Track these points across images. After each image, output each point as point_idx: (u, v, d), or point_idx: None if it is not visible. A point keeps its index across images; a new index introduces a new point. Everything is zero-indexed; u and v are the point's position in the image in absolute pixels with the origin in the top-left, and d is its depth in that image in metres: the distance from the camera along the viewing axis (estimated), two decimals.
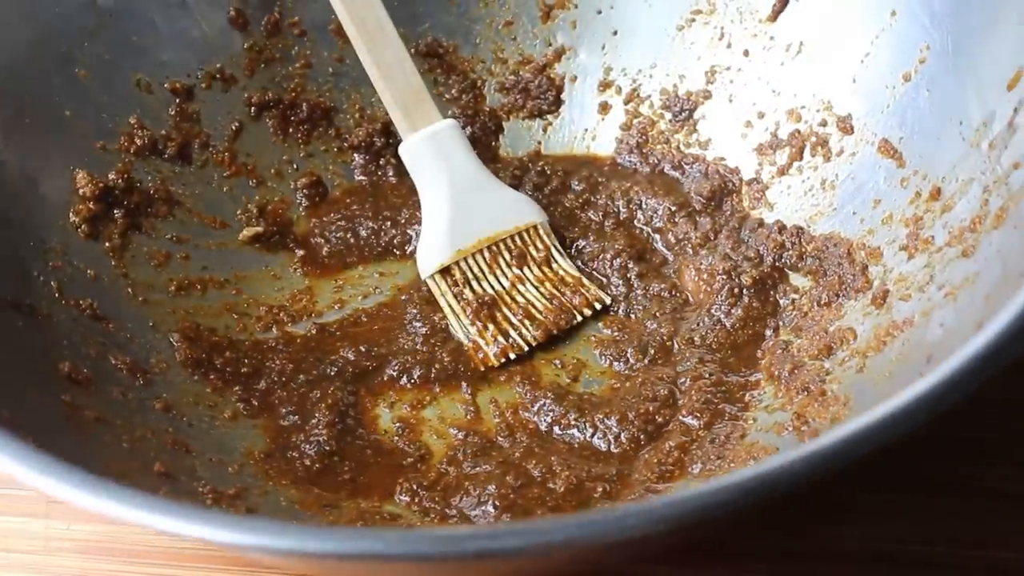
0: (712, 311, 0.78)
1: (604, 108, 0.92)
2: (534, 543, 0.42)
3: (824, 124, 0.81)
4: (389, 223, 0.88)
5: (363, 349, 0.79)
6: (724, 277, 0.79)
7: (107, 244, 0.78)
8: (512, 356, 0.79)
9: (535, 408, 0.75)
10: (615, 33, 0.91)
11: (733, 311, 0.78)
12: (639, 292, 0.82)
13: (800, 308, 0.77)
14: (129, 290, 0.78)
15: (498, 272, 0.83)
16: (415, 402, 0.77)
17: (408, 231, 0.87)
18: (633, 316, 0.81)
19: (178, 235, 0.83)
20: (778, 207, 0.82)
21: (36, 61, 0.77)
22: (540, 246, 0.84)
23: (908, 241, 0.71)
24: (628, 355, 0.78)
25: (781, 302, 0.78)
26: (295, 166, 0.90)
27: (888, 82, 0.76)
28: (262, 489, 0.69)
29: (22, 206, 0.74)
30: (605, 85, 0.92)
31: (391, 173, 0.91)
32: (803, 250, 0.79)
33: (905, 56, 0.75)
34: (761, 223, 0.82)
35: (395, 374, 0.78)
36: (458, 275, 0.82)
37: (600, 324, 0.81)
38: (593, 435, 0.73)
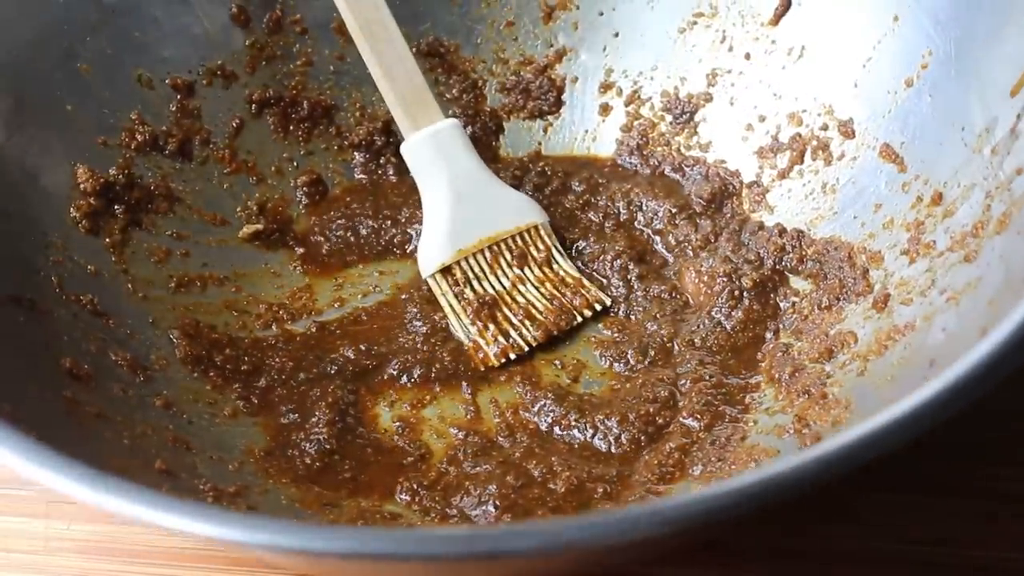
0: (712, 313, 0.79)
1: (605, 109, 0.92)
2: (545, 544, 0.42)
3: (825, 128, 0.81)
4: (389, 222, 0.88)
5: (363, 348, 0.79)
6: (724, 279, 0.79)
7: (107, 240, 0.78)
8: (512, 356, 0.79)
9: (535, 408, 0.76)
10: (616, 35, 0.91)
11: (733, 313, 0.78)
12: (639, 294, 0.82)
13: (801, 311, 0.77)
14: (129, 286, 0.77)
15: (499, 272, 0.83)
16: (415, 401, 0.77)
17: (408, 230, 0.87)
18: (633, 317, 0.81)
19: (178, 232, 0.82)
20: (779, 210, 0.83)
21: (38, 56, 0.77)
22: (541, 246, 0.84)
23: (909, 245, 0.71)
24: (628, 356, 0.78)
25: (781, 305, 0.79)
26: (295, 164, 0.90)
27: (890, 87, 0.77)
28: (262, 487, 0.69)
29: (23, 201, 0.74)
30: (606, 86, 0.92)
31: (391, 172, 0.91)
32: (804, 253, 0.79)
33: (908, 61, 0.75)
34: (761, 226, 0.82)
35: (395, 373, 0.78)
36: (459, 274, 0.82)
37: (600, 325, 0.81)
38: (593, 436, 0.73)
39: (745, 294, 0.79)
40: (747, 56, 0.86)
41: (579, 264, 0.85)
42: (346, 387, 0.77)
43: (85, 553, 0.70)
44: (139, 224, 0.81)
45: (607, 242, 0.85)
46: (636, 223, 0.87)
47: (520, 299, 0.82)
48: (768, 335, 0.77)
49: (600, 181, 0.89)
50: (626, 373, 0.78)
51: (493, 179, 0.85)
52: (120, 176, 0.80)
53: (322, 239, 0.87)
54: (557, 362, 0.79)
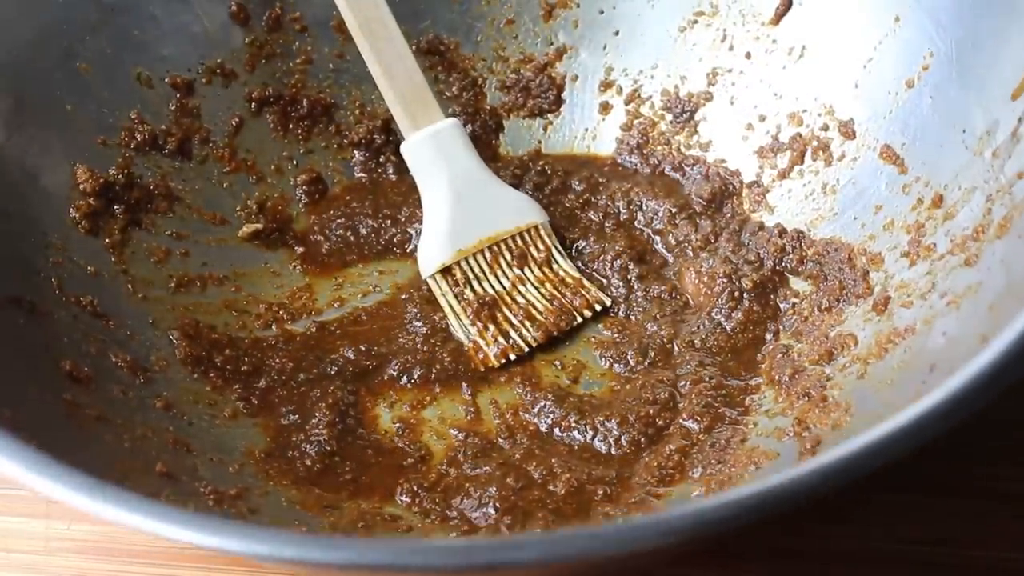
0: (712, 314, 0.79)
1: (605, 108, 0.92)
2: (544, 555, 0.42)
3: (826, 128, 0.81)
4: (389, 221, 0.88)
5: (363, 348, 0.79)
6: (724, 280, 0.79)
7: (107, 240, 0.78)
8: (512, 357, 0.79)
9: (535, 409, 0.76)
10: (617, 33, 0.91)
11: (733, 314, 0.78)
12: (639, 294, 0.82)
13: (801, 313, 0.77)
14: (129, 286, 0.77)
15: (499, 272, 0.83)
16: (415, 402, 0.77)
17: (408, 229, 0.87)
18: (633, 318, 0.81)
19: (178, 231, 0.82)
20: (779, 211, 0.83)
21: (38, 55, 0.77)
22: (541, 246, 0.84)
23: (910, 248, 0.71)
24: (628, 357, 0.78)
25: (781, 306, 0.78)
26: (295, 162, 0.90)
27: (891, 88, 0.77)
28: (263, 489, 0.69)
29: (23, 201, 0.74)
30: (606, 85, 0.92)
31: (391, 171, 0.91)
32: (804, 254, 0.79)
33: (909, 62, 0.75)
34: (762, 226, 0.82)
35: (395, 374, 0.78)
36: (459, 275, 0.82)
37: (600, 326, 0.81)
38: (593, 437, 0.73)
39: (745, 295, 0.79)
40: (748, 55, 0.86)
41: (579, 264, 0.85)
42: (346, 388, 0.77)
43: (85, 553, 0.70)
44: (139, 224, 0.81)
45: (607, 242, 0.85)
46: (636, 223, 0.87)
47: (520, 299, 0.82)
48: (768, 336, 0.77)
49: (600, 180, 0.89)
50: (626, 374, 0.78)
51: (493, 179, 0.85)
52: (120, 176, 0.80)
53: (322, 238, 0.87)
54: (557, 363, 0.79)
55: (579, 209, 0.88)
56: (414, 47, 0.89)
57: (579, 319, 0.81)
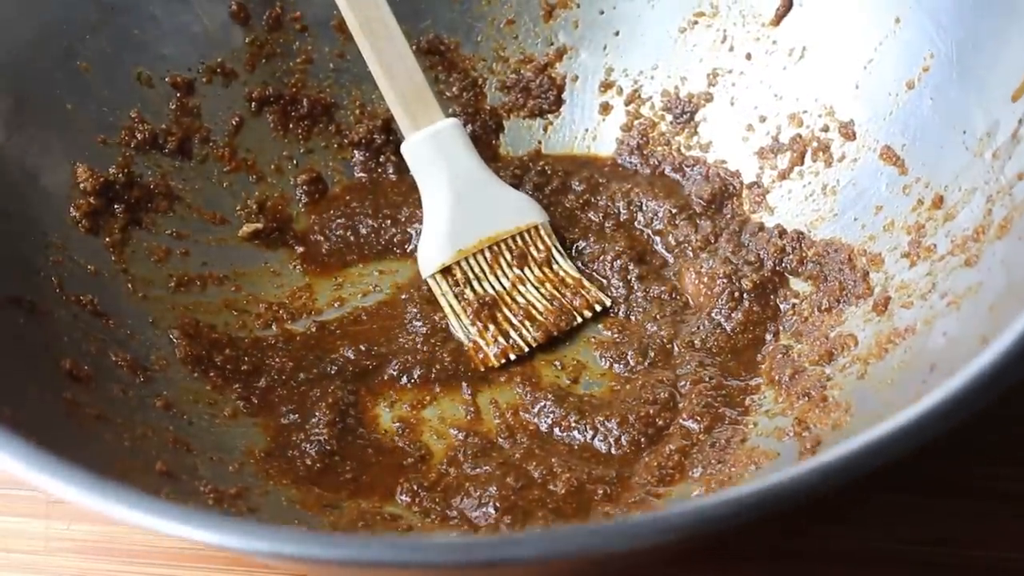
0: (712, 315, 0.79)
1: (605, 109, 0.92)
2: (544, 552, 0.42)
3: (826, 129, 0.81)
4: (389, 221, 0.88)
5: (363, 348, 0.79)
6: (724, 281, 0.79)
7: (107, 239, 0.78)
8: (512, 357, 0.79)
9: (535, 409, 0.76)
10: (617, 33, 0.91)
11: (733, 315, 0.78)
12: (639, 294, 0.82)
13: (801, 313, 0.77)
14: (129, 286, 0.77)
15: (499, 272, 0.83)
16: (415, 402, 0.77)
17: (408, 229, 0.87)
18: (633, 318, 0.81)
19: (178, 231, 0.82)
20: (779, 211, 0.83)
21: (38, 55, 0.77)
22: (541, 247, 0.84)
23: (910, 248, 0.71)
24: (628, 357, 0.78)
25: (782, 307, 0.79)
26: (295, 162, 0.90)
27: (891, 89, 0.77)
28: (263, 488, 0.69)
29: (23, 200, 0.73)
30: (606, 85, 0.92)
31: (391, 170, 0.91)
32: (804, 255, 0.79)
33: (909, 63, 0.75)
34: (762, 227, 0.82)
35: (395, 374, 0.78)
36: (459, 275, 0.82)
37: (600, 326, 0.81)
38: (593, 437, 0.73)
39: (745, 296, 0.79)
40: (748, 56, 0.86)
41: (579, 264, 0.85)
42: (346, 387, 0.77)
43: (85, 553, 0.70)
44: (139, 223, 0.81)
45: (607, 242, 0.85)
46: (636, 223, 0.87)
47: (520, 299, 0.82)
48: (768, 337, 0.77)
49: (600, 181, 0.89)
50: (626, 374, 0.78)
51: (493, 179, 0.85)
52: (120, 175, 0.80)
53: (322, 238, 0.87)
54: (557, 363, 0.79)
55: (579, 209, 0.88)
56: (414, 47, 0.89)
57: (579, 319, 0.81)
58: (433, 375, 0.78)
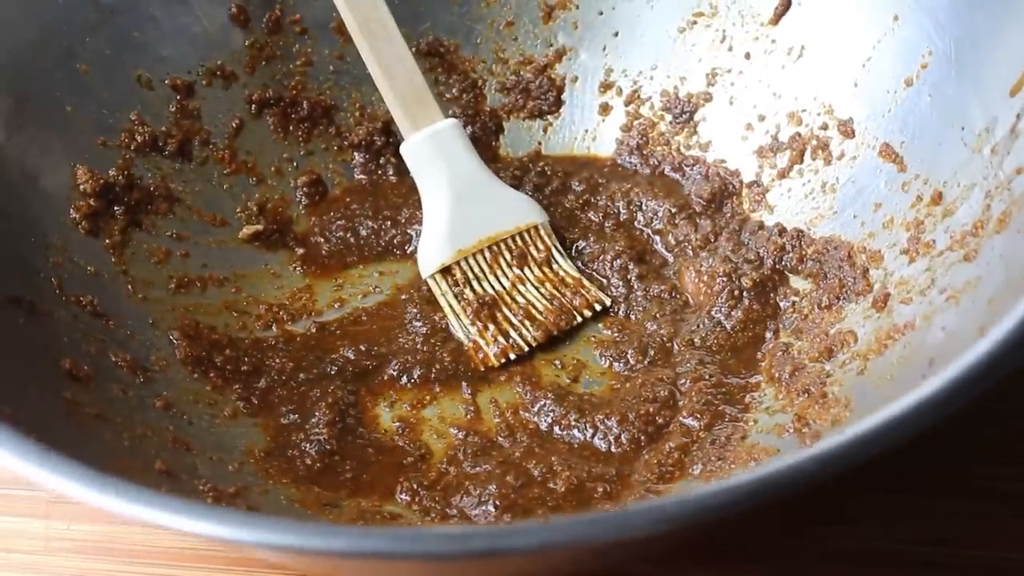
0: (712, 313, 0.79)
1: (605, 109, 0.92)
2: (542, 542, 0.42)
3: (825, 128, 0.81)
4: (389, 222, 0.88)
5: (363, 348, 0.79)
6: (724, 279, 0.79)
7: (107, 241, 0.78)
8: (512, 356, 0.79)
9: (535, 408, 0.76)
10: (616, 34, 0.91)
11: (733, 313, 0.78)
12: (639, 293, 0.82)
13: (800, 311, 0.77)
14: (129, 287, 0.77)
15: (499, 272, 0.83)
16: (415, 402, 0.77)
17: (408, 230, 0.87)
18: (633, 317, 0.81)
19: (178, 232, 0.82)
20: (778, 210, 0.83)
21: (38, 56, 0.77)
22: (541, 246, 0.84)
23: (909, 245, 0.71)
24: (628, 356, 0.78)
25: (781, 304, 0.78)
26: (295, 164, 0.90)
27: (890, 86, 0.77)
28: (262, 488, 0.69)
29: (23, 202, 0.74)
30: (606, 86, 0.92)
31: (391, 172, 0.91)
32: (803, 253, 0.79)
33: (907, 61, 0.75)
34: (761, 226, 0.82)
35: (395, 373, 0.78)
36: (459, 275, 0.83)
37: (600, 325, 0.81)
38: (593, 435, 0.73)
39: (745, 294, 0.79)
40: (747, 56, 0.86)
41: (579, 264, 0.85)
42: (346, 388, 0.77)
43: (85, 553, 0.70)
44: (139, 225, 0.81)
45: (607, 242, 0.85)
46: (636, 223, 0.87)
47: (520, 299, 0.82)
48: (768, 334, 0.77)
49: (600, 181, 0.89)
50: (626, 373, 0.78)
51: (493, 179, 0.85)
52: (120, 177, 0.80)
53: (322, 240, 0.87)
54: (557, 362, 0.79)
55: (579, 209, 0.88)
56: (414, 49, 0.89)
57: (579, 319, 0.81)
58: (433, 375, 0.78)
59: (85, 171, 0.78)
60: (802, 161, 0.82)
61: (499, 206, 0.84)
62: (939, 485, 0.70)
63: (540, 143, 0.93)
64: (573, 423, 0.74)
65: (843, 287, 0.75)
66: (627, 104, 0.91)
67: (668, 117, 0.90)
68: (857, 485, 0.69)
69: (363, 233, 0.88)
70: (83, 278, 0.75)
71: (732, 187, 0.85)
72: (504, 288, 0.83)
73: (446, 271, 0.82)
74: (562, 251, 0.85)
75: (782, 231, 0.80)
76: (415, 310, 0.82)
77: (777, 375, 0.73)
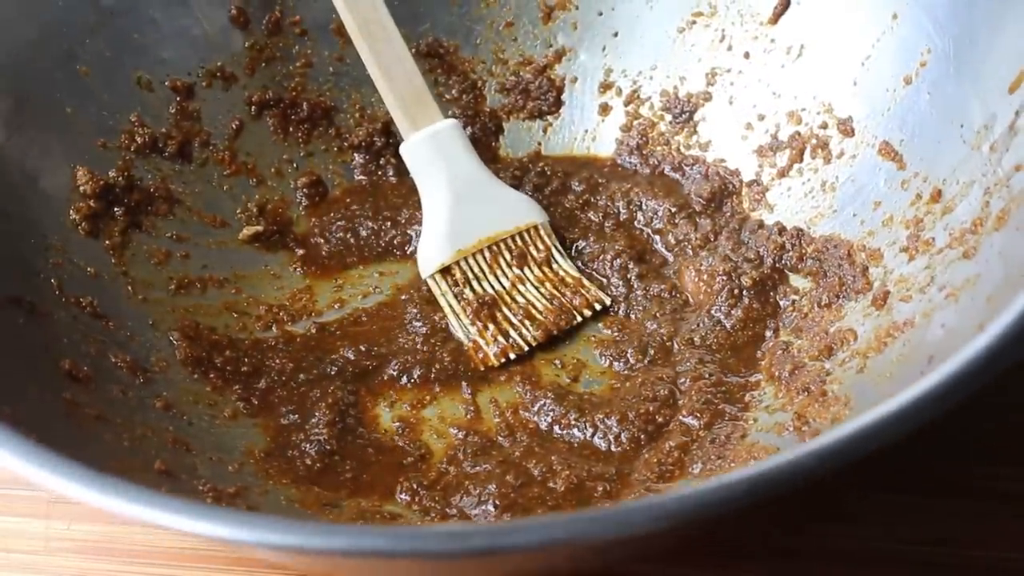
0: (712, 312, 0.79)
1: (604, 109, 0.92)
2: (542, 539, 0.42)
3: (824, 126, 0.81)
4: (389, 223, 0.88)
5: (363, 348, 0.79)
6: (724, 278, 0.79)
7: (107, 242, 0.78)
8: (512, 356, 0.79)
9: (535, 408, 0.76)
10: (616, 35, 0.91)
11: (733, 312, 0.78)
12: (639, 293, 0.82)
13: (800, 309, 0.77)
14: (129, 288, 0.78)
15: (498, 272, 0.83)
16: (415, 402, 0.77)
17: (408, 231, 0.87)
18: (633, 317, 0.81)
19: (178, 233, 0.83)
20: (778, 209, 0.83)
21: (38, 57, 0.77)
22: (540, 246, 0.84)
23: (909, 243, 0.71)
24: (628, 355, 0.78)
25: (781, 303, 0.78)
26: (295, 165, 0.90)
27: (889, 85, 0.77)
28: (262, 488, 0.69)
29: (23, 203, 0.74)
30: (605, 86, 0.92)
31: (391, 173, 0.91)
32: (803, 252, 0.79)
33: (906, 59, 0.75)
34: (761, 224, 0.82)
35: (395, 374, 0.78)
36: (458, 275, 0.83)
37: (600, 324, 0.81)
38: (593, 435, 0.73)
39: (745, 292, 0.78)
40: (746, 55, 0.86)
41: (579, 264, 0.85)
42: (346, 388, 0.77)
43: (85, 553, 0.70)
44: (139, 226, 0.81)
45: (607, 242, 0.85)
46: (636, 222, 0.87)
47: (520, 299, 0.82)
48: (768, 333, 0.77)
49: (600, 181, 0.89)
50: (626, 372, 0.78)
51: (492, 179, 0.85)
52: (120, 178, 0.80)
53: (322, 240, 0.87)
54: (557, 361, 0.79)
55: (579, 209, 0.88)
56: (414, 50, 0.89)
57: (579, 318, 0.81)
58: (433, 375, 0.78)
59: (85, 172, 0.78)
60: (802, 160, 0.82)
61: (499, 206, 0.84)
62: (939, 485, 0.70)
63: (540, 143, 0.93)
64: (573, 422, 0.74)
65: (843, 285, 0.75)
66: (627, 104, 0.91)
67: (668, 117, 0.90)
68: (856, 484, 0.69)
69: (363, 234, 0.88)
70: (83, 279, 0.75)
71: (732, 186, 0.85)
72: (504, 288, 0.83)
73: (446, 271, 0.82)
74: (562, 251, 0.85)
75: (782, 230, 0.80)
76: (415, 310, 0.82)
77: (777, 374, 0.73)
